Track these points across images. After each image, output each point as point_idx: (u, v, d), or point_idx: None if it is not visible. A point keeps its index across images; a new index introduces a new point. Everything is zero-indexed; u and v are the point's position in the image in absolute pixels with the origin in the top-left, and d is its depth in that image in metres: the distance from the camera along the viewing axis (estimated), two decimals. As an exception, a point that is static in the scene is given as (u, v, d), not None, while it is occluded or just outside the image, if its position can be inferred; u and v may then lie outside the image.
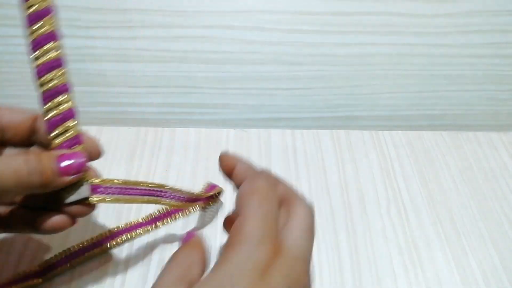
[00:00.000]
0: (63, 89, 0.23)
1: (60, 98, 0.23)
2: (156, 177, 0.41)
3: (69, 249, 0.34)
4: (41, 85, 0.23)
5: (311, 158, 0.44)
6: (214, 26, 0.45)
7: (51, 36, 0.23)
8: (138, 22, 0.45)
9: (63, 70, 0.23)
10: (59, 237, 0.36)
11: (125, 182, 0.26)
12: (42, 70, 0.23)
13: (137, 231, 0.36)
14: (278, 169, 0.43)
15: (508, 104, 0.54)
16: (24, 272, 0.33)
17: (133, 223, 0.37)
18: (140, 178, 0.41)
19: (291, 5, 0.45)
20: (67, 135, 0.24)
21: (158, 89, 0.49)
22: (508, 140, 0.47)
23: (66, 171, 0.23)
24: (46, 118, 0.23)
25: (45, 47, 0.23)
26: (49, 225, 0.24)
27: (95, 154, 0.26)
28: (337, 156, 0.45)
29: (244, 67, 0.49)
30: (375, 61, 0.49)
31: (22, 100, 0.50)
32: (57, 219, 0.25)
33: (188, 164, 0.43)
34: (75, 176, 0.23)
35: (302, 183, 0.42)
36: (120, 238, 0.36)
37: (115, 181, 0.25)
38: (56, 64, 0.23)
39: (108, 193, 0.25)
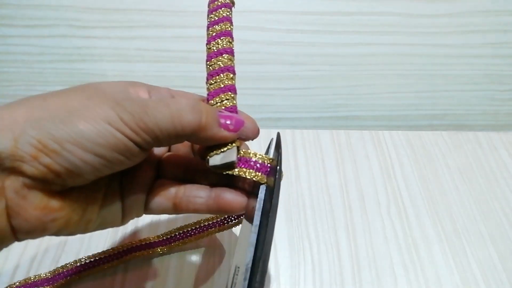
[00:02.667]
0: (226, 70, 0.25)
1: (223, 76, 0.25)
2: (156, 177, 0.41)
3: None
4: (209, 66, 0.25)
5: (311, 158, 0.44)
6: (214, 26, 0.45)
7: (224, 34, 0.26)
8: (138, 22, 0.45)
9: (227, 56, 0.25)
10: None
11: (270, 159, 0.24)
12: (211, 56, 0.25)
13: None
14: (278, 169, 0.43)
15: (508, 104, 0.54)
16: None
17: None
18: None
19: (291, 5, 0.45)
20: (224, 102, 0.24)
21: (158, 89, 0.49)
22: (508, 140, 0.47)
23: (225, 123, 0.22)
24: (208, 90, 0.25)
25: (216, 40, 0.26)
26: (226, 200, 0.23)
27: (251, 130, 0.24)
28: (337, 156, 0.45)
29: (244, 67, 0.49)
30: (375, 61, 0.49)
31: (22, 100, 0.50)
32: (232, 194, 0.23)
33: (188, 164, 0.43)
34: (232, 133, 0.22)
35: (302, 183, 0.42)
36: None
37: (260, 155, 0.24)
38: (224, 51, 0.25)
39: (253, 169, 0.23)
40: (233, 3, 0.28)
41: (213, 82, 0.25)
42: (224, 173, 0.23)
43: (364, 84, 0.51)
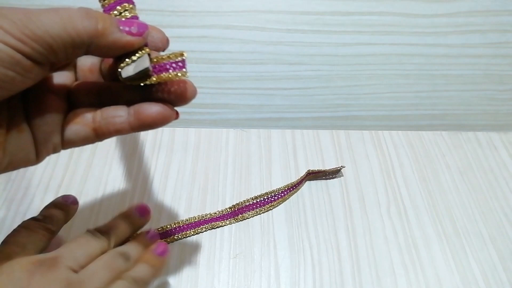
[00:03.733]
0: None
1: None
2: (156, 177, 0.41)
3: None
4: None
5: (311, 158, 0.44)
6: (214, 26, 0.45)
7: None
8: (138, 22, 0.45)
9: None
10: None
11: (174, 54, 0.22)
12: None
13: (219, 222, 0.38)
14: (278, 169, 0.43)
15: (508, 104, 0.54)
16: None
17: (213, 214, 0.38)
18: (140, 178, 0.41)
19: (291, 5, 0.45)
20: (123, 14, 0.22)
21: (158, 89, 0.49)
22: (508, 140, 0.47)
23: (126, 28, 0.20)
24: (102, 3, 0.22)
25: None
26: (147, 113, 0.21)
27: (159, 40, 0.22)
28: (337, 156, 0.45)
29: (244, 67, 0.49)
30: (375, 61, 0.49)
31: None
32: (152, 106, 0.21)
33: (188, 164, 0.43)
34: (136, 37, 0.20)
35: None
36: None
37: (173, 55, 0.22)
38: None
39: (172, 69, 0.21)
40: None
41: None
42: (142, 84, 0.21)
43: (364, 84, 0.51)
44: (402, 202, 0.40)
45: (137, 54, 0.21)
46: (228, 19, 0.45)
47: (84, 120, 0.22)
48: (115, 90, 0.23)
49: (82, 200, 0.39)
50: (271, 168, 0.43)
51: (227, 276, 0.34)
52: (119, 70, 0.21)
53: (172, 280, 0.34)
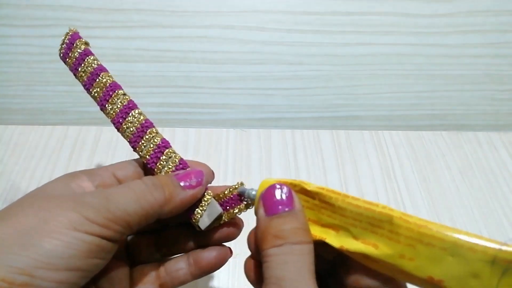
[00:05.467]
0: (146, 125, 0.22)
1: (148, 135, 0.22)
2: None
3: None
4: (124, 131, 0.22)
5: (311, 158, 0.44)
6: (214, 26, 0.45)
7: (113, 87, 0.23)
8: (138, 22, 0.45)
9: (136, 112, 0.23)
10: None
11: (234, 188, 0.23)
12: (118, 119, 0.22)
13: None
14: (278, 169, 0.43)
15: (508, 104, 0.54)
16: None
17: None
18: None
19: (291, 5, 0.45)
20: (171, 163, 0.22)
21: (158, 89, 0.50)
22: (508, 140, 0.47)
23: (186, 183, 0.21)
24: (142, 155, 0.22)
25: (111, 100, 0.23)
26: (205, 261, 0.23)
27: (210, 174, 0.23)
28: (337, 156, 0.45)
29: (244, 67, 0.49)
30: (375, 61, 0.49)
31: (22, 100, 0.50)
32: (213, 253, 0.23)
33: (188, 164, 0.43)
34: (198, 188, 0.21)
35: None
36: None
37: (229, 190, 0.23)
38: (128, 108, 0.22)
39: (237, 203, 0.22)
40: (87, 44, 0.25)
41: (143, 148, 0.22)
42: (217, 225, 0.23)
43: (364, 84, 0.51)
44: (402, 202, 0.40)
45: (204, 202, 0.22)
46: (228, 19, 0.45)
47: (150, 279, 0.23)
48: (171, 237, 0.24)
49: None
50: (271, 168, 0.43)
51: (227, 276, 0.34)
52: (196, 223, 0.22)
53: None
